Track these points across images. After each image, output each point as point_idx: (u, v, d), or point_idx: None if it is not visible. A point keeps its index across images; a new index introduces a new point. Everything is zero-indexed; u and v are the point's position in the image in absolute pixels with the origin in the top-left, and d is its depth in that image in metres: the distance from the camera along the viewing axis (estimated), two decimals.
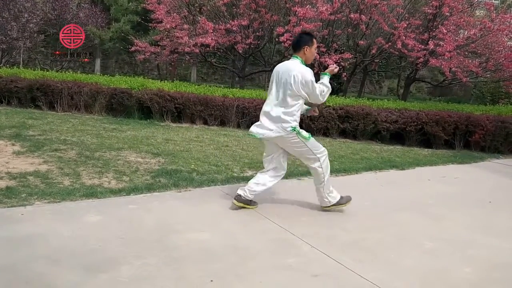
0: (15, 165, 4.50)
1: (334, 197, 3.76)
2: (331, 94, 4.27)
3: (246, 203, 3.67)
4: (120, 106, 8.58)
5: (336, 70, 3.76)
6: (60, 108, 8.75)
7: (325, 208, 3.79)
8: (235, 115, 8.23)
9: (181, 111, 8.44)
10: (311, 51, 3.68)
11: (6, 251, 2.62)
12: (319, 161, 3.66)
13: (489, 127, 7.49)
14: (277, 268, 2.67)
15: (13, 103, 9.02)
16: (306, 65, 3.65)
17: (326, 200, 3.74)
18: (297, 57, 3.65)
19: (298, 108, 3.60)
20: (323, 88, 3.62)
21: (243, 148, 6.37)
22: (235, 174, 4.80)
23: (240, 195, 3.66)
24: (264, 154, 3.83)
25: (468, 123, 7.66)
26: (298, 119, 3.63)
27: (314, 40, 3.71)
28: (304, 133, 3.62)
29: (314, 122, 7.87)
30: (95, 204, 3.55)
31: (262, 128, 3.64)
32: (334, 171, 4.05)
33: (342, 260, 2.81)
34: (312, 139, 3.67)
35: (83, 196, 3.69)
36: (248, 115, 8.13)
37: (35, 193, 3.65)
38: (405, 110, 8.12)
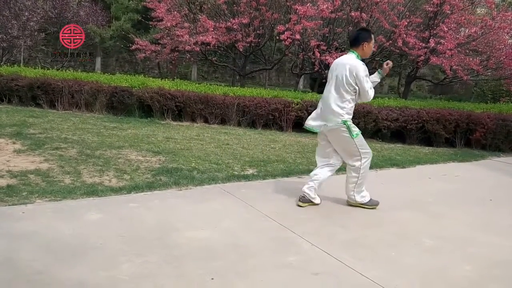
0: (16, 164, 4.51)
1: (364, 196, 3.84)
2: None
3: (309, 202, 3.84)
4: (121, 105, 8.60)
5: (388, 69, 3.90)
6: (60, 107, 8.77)
7: (351, 204, 3.88)
8: (236, 113, 8.22)
9: (181, 110, 8.45)
10: (369, 46, 3.79)
11: (7, 249, 2.63)
12: (361, 161, 3.73)
13: (490, 125, 7.48)
14: (278, 266, 2.67)
15: (13, 102, 9.06)
16: (362, 60, 3.75)
17: (353, 197, 3.83)
18: (353, 52, 3.76)
19: (351, 102, 3.68)
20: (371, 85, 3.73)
21: (243, 146, 6.37)
22: (236, 173, 4.81)
23: (304, 196, 3.82)
24: (318, 149, 3.96)
25: (469, 121, 7.65)
26: (351, 114, 3.71)
27: (372, 36, 3.82)
28: (354, 128, 3.69)
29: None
30: (96, 203, 3.55)
31: (315, 121, 3.82)
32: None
33: (342, 258, 2.81)
34: (361, 137, 3.75)
35: (84, 194, 3.70)
36: (249, 113, 8.10)
37: (36, 192, 3.66)
38: (406, 108, 8.11)
